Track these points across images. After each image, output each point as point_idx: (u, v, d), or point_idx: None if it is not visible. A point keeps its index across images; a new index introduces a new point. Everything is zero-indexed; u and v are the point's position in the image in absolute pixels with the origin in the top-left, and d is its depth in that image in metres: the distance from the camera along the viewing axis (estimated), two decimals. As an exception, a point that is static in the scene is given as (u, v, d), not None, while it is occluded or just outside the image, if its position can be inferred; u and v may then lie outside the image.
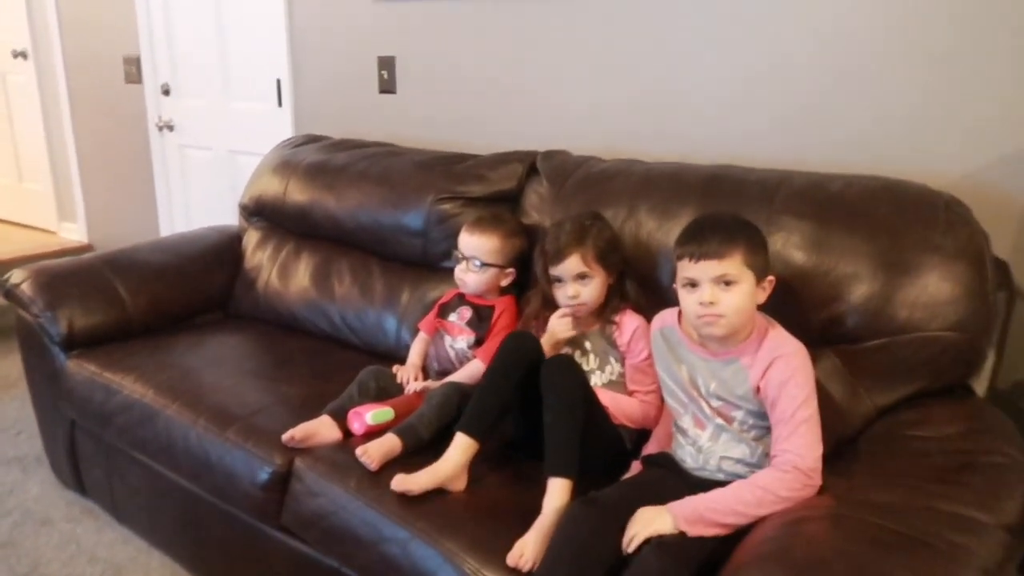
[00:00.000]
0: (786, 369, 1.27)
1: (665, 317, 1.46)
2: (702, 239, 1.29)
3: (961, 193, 1.53)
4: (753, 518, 1.19)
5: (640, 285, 1.67)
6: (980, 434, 1.33)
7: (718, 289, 1.27)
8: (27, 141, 4.31)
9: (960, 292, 1.41)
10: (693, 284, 1.30)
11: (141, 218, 3.67)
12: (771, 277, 1.33)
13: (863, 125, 1.75)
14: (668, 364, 1.42)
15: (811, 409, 1.27)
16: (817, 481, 1.22)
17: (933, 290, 1.42)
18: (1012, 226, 1.62)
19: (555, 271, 1.61)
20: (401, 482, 1.39)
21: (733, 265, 1.27)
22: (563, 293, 1.61)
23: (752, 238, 1.31)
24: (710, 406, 1.36)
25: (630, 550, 1.19)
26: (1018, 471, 1.22)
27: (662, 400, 1.49)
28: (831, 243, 1.49)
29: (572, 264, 1.59)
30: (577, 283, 1.60)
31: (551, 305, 1.67)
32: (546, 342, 1.58)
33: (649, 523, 1.21)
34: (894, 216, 1.48)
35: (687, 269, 1.30)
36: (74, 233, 4.22)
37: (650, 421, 1.57)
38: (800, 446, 1.23)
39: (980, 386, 1.51)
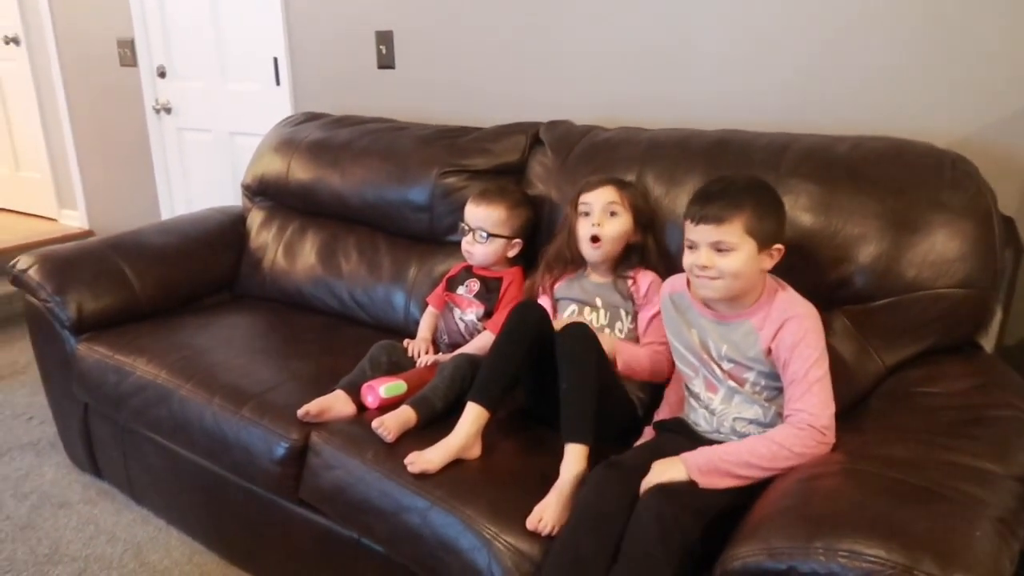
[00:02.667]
0: (798, 330, 1.28)
1: (675, 282, 1.47)
2: (705, 202, 1.30)
3: (967, 151, 1.53)
4: (766, 472, 1.21)
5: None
6: (989, 389, 1.34)
7: (713, 254, 1.29)
8: (23, 129, 4.28)
9: (967, 249, 1.42)
10: (692, 246, 1.33)
11: (141, 203, 3.67)
12: (779, 245, 1.32)
13: (869, 84, 1.75)
14: (678, 328, 1.43)
15: (823, 369, 1.28)
16: (831, 439, 1.23)
17: (940, 248, 1.42)
18: (1018, 183, 1.63)
19: (586, 198, 1.64)
20: (416, 463, 1.41)
21: (731, 232, 1.28)
22: (587, 223, 1.63)
23: (759, 204, 1.30)
24: (721, 369, 1.37)
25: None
26: (1028, 423, 1.24)
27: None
28: (838, 204, 1.49)
29: (606, 193, 1.62)
30: (604, 214, 1.62)
31: (562, 262, 1.69)
32: None
33: (663, 472, 1.23)
34: (901, 176, 1.48)
35: (689, 231, 1.33)
36: (75, 220, 4.21)
37: (663, 373, 1.58)
38: (814, 405, 1.24)
39: (988, 342, 1.52)
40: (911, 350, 1.46)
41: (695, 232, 1.31)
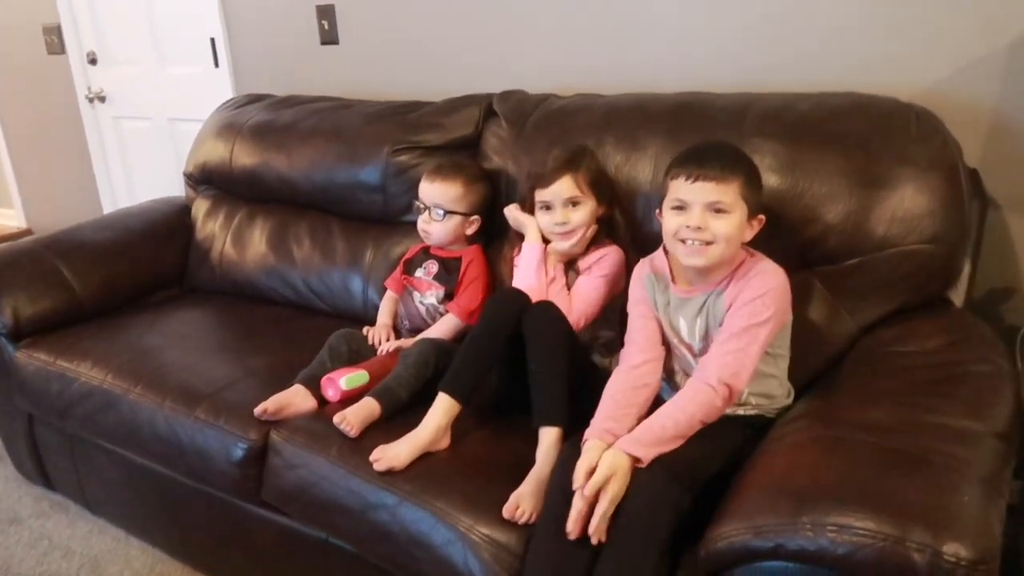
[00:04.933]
0: (760, 287, 1.24)
1: (654, 261, 1.39)
2: (704, 159, 1.23)
3: (930, 103, 1.50)
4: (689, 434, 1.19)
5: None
6: (962, 344, 1.32)
7: (708, 215, 1.22)
8: (-51, 126, 4.06)
9: (936, 204, 1.39)
10: (682, 207, 1.24)
11: (81, 198, 3.50)
12: (761, 216, 1.29)
13: (827, 38, 1.70)
14: (662, 308, 1.37)
15: (761, 338, 1.22)
16: (725, 394, 1.21)
17: (909, 204, 1.39)
18: (981, 133, 1.60)
19: (543, 195, 1.55)
20: (383, 459, 1.34)
21: (729, 193, 1.22)
22: (551, 219, 1.56)
23: (751, 171, 1.27)
24: (693, 352, 1.32)
25: (587, 493, 1.12)
26: (1003, 377, 1.22)
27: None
28: (804, 164, 1.45)
29: (564, 186, 1.53)
30: (567, 208, 1.54)
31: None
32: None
33: (614, 467, 1.14)
34: (866, 131, 1.45)
35: (680, 189, 1.24)
36: (12, 219, 4.03)
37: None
38: (725, 366, 1.21)
39: (957, 297, 1.50)
40: (882, 309, 1.43)
41: (689, 191, 1.22)
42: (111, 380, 1.73)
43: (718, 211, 1.22)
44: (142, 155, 3.22)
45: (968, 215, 1.43)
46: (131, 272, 2.18)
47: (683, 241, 1.24)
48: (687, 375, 1.35)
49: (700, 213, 1.22)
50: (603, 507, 1.11)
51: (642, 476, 1.13)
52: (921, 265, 1.40)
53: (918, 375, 1.23)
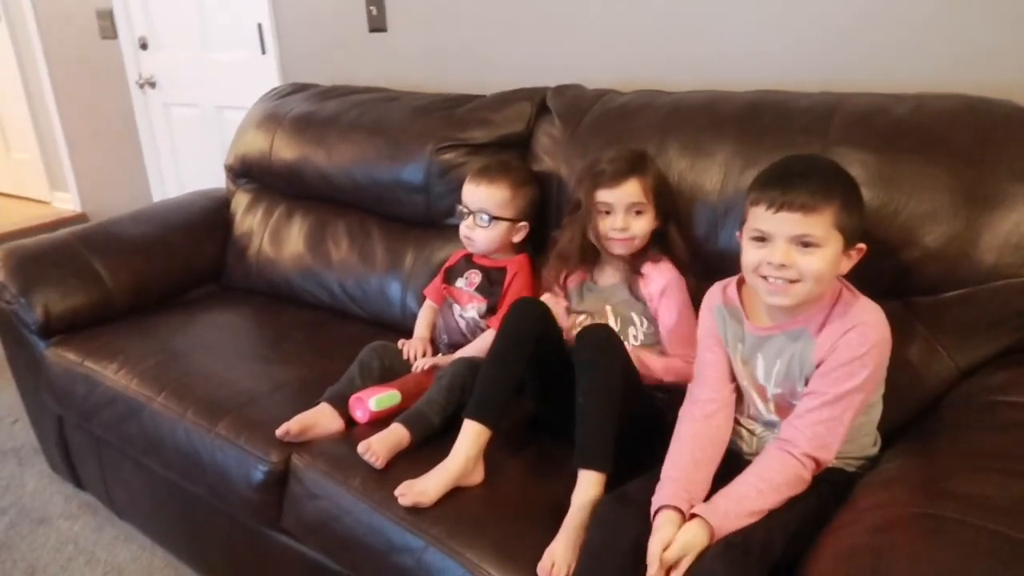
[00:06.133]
0: (861, 343, 1.05)
1: (727, 290, 1.21)
2: (789, 185, 1.04)
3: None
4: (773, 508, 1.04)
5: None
6: (1084, 396, 1.11)
7: (794, 250, 1.04)
8: (9, 109, 4.10)
9: (1057, 229, 1.18)
10: (764, 239, 1.06)
11: (133, 184, 3.47)
12: (862, 245, 1.09)
13: (925, 30, 1.49)
14: (731, 343, 1.20)
15: (856, 400, 1.06)
16: (813, 468, 1.07)
17: (1025, 229, 1.19)
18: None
19: (606, 197, 1.41)
20: (410, 495, 1.21)
21: (820, 225, 1.03)
22: (610, 224, 1.41)
23: (850, 193, 1.07)
24: (765, 397, 1.16)
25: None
26: None
27: None
28: (901, 177, 1.26)
29: (630, 190, 1.39)
30: (630, 215, 1.40)
31: (575, 257, 1.47)
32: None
33: (689, 547, 1.00)
34: (977, 141, 1.24)
35: (761, 219, 1.06)
36: (68, 203, 4.05)
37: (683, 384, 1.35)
38: (817, 436, 1.05)
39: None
40: (988, 350, 1.24)
41: (771, 222, 1.04)
42: (135, 387, 1.64)
43: (806, 244, 1.04)
44: (190, 143, 3.16)
45: (1093, 242, 1.22)
46: (167, 269, 2.10)
47: (764, 278, 1.07)
48: (752, 419, 1.19)
49: (785, 248, 1.04)
50: None
51: (716, 563, 0.97)
52: (1037, 301, 1.20)
53: (1032, 434, 1.04)
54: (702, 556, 0.99)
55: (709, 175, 1.45)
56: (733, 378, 1.20)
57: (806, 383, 1.10)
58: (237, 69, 2.81)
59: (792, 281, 1.05)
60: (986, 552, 0.82)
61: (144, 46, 3.12)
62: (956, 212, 1.22)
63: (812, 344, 1.09)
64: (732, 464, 1.17)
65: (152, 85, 3.16)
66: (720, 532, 1.00)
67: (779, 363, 1.13)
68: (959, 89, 1.36)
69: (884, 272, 1.26)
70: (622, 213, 1.40)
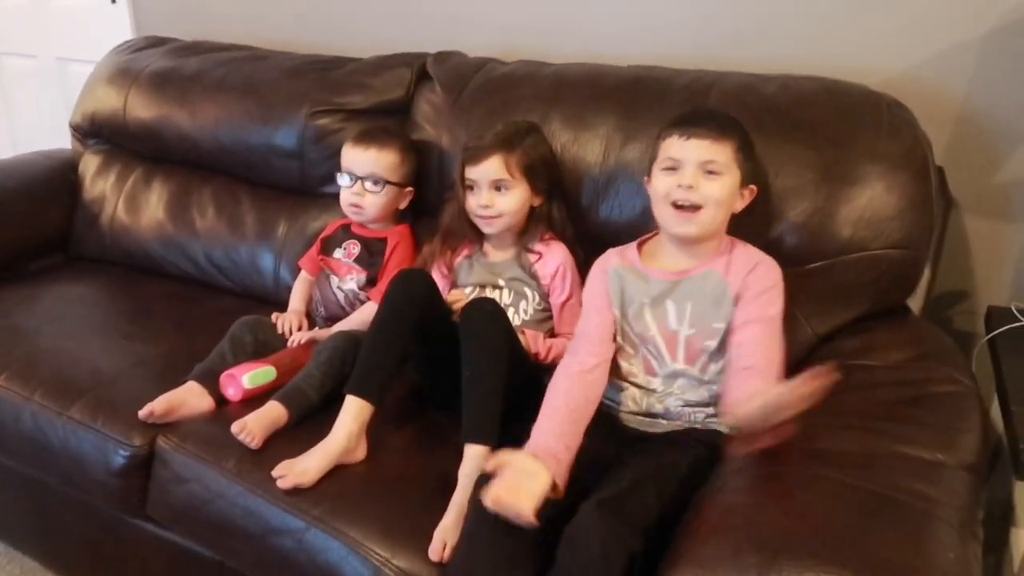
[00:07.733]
0: (769, 276, 1.19)
1: (622, 254, 1.28)
2: (697, 119, 1.20)
3: (898, 92, 1.39)
4: None
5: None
6: (927, 360, 1.23)
7: (700, 175, 1.16)
8: None
9: (904, 205, 1.29)
10: (674, 167, 1.18)
11: (-43, 142, 3.10)
12: (753, 187, 1.23)
13: (795, 12, 1.57)
14: (624, 305, 1.24)
15: (780, 330, 1.17)
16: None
17: (878, 204, 1.28)
18: (948, 127, 1.50)
19: (471, 173, 1.40)
20: (289, 476, 1.16)
21: (723, 153, 1.17)
22: (476, 200, 1.40)
23: (746, 136, 1.22)
24: (677, 340, 1.20)
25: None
26: (970, 399, 1.14)
27: None
28: (768, 154, 1.32)
29: (491, 167, 1.38)
30: (492, 191, 1.39)
31: (466, 231, 1.46)
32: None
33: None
34: (835, 122, 1.33)
35: (673, 147, 1.19)
36: None
37: None
38: (764, 351, 1.13)
39: (915, 304, 1.42)
40: (842, 317, 1.33)
41: (683, 148, 1.17)
42: (-31, 367, 1.48)
43: (711, 172, 1.16)
44: (26, 98, 2.86)
45: (936, 218, 1.34)
46: (4, 235, 1.90)
47: (675, 204, 1.17)
48: (650, 375, 1.23)
49: (693, 172, 1.16)
50: None
51: (589, 520, 0.98)
52: (886, 271, 1.30)
53: (883, 394, 1.14)
54: (577, 514, 0.99)
55: (591, 148, 1.47)
56: (614, 339, 1.24)
57: (725, 323, 1.18)
58: (83, 17, 2.56)
59: (696, 208, 1.15)
60: (852, 505, 0.88)
61: (-32, -15, 2.77)
62: (818, 188, 1.30)
63: (724, 282, 1.19)
64: (607, 427, 1.21)
65: (-21, 31, 2.82)
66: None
67: (690, 304, 1.20)
68: (817, 70, 1.44)
69: (755, 245, 1.31)
70: (485, 190, 1.39)
